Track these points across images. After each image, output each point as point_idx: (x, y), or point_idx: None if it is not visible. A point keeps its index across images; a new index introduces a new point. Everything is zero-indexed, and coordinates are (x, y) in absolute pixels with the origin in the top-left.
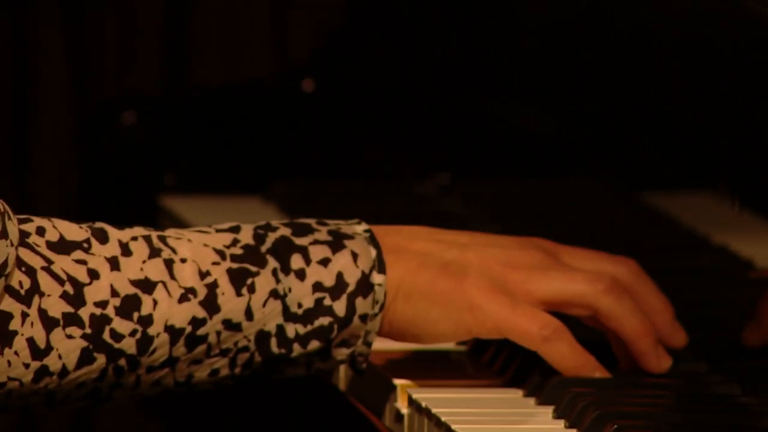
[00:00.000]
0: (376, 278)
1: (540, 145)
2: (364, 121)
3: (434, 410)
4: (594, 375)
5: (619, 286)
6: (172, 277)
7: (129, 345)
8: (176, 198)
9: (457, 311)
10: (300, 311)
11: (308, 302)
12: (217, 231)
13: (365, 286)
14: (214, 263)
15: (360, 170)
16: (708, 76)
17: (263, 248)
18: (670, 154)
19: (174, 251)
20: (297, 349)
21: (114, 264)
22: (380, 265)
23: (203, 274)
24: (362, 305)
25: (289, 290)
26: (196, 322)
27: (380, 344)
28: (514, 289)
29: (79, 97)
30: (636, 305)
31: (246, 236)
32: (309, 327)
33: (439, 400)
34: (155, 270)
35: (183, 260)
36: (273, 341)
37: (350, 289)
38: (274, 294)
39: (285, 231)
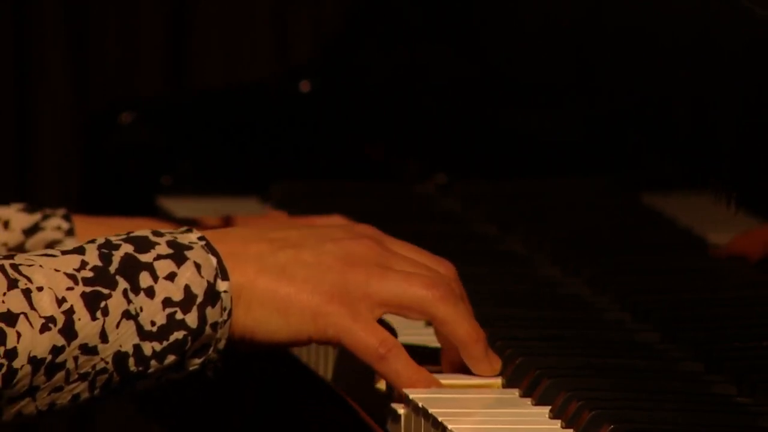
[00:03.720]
0: (221, 285)
1: (540, 145)
2: (363, 121)
3: (431, 410)
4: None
5: (454, 293)
6: (32, 307)
7: None
8: (174, 199)
9: (297, 321)
10: (154, 329)
11: (161, 319)
12: (63, 253)
13: (212, 295)
14: (69, 288)
15: (360, 170)
16: (708, 77)
17: (111, 269)
18: (669, 154)
19: (30, 280)
20: (154, 365)
21: None
22: (223, 273)
23: (60, 301)
24: (212, 314)
25: (141, 309)
26: (56, 351)
27: None
28: (355, 290)
29: (80, 97)
30: (468, 310)
31: (92, 257)
32: (165, 343)
33: (436, 399)
34: (16, 301)
35: (40, 288)
36: (131, 361)
37: (199, 300)
38: (126, 315)
39: (127, 248)
